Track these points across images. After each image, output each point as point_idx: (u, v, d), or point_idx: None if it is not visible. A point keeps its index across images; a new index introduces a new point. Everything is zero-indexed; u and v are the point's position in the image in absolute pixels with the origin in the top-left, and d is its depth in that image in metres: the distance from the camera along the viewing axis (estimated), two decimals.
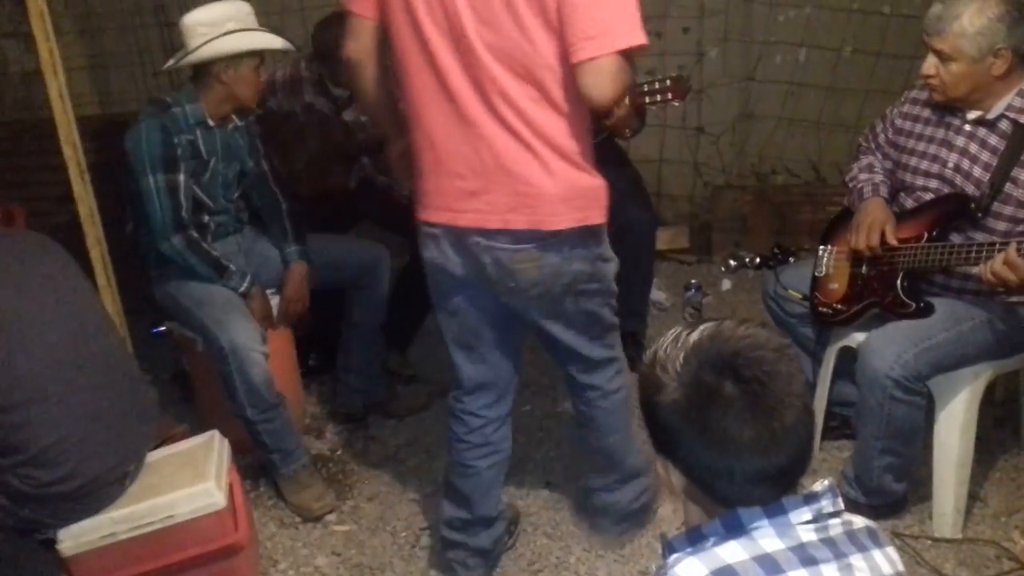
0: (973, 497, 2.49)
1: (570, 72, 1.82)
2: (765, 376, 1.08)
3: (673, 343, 1.14)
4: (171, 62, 2.66)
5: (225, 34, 2.54)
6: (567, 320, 2.12)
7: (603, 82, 1.79)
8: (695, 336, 1.13)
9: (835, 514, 1.13)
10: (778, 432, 1.07)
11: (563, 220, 1.93)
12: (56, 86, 2.61)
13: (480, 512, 2.29)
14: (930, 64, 2.23)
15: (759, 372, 1.08)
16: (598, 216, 1.99)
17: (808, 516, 1.11)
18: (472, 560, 2.33)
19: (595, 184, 1.98)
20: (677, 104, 2.94)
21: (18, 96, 4.01)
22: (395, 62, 1.99)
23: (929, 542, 2.40)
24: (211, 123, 2.67)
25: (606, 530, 2.48)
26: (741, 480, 1.09)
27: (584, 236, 1.98)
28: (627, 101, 2.92)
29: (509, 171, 1.91)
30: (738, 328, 1.12)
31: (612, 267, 2.11)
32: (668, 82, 2.91)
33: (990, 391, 2.47)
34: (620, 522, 2.46)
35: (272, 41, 2.65)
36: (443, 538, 2.35)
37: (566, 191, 1.92)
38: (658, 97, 2.93)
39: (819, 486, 1.14)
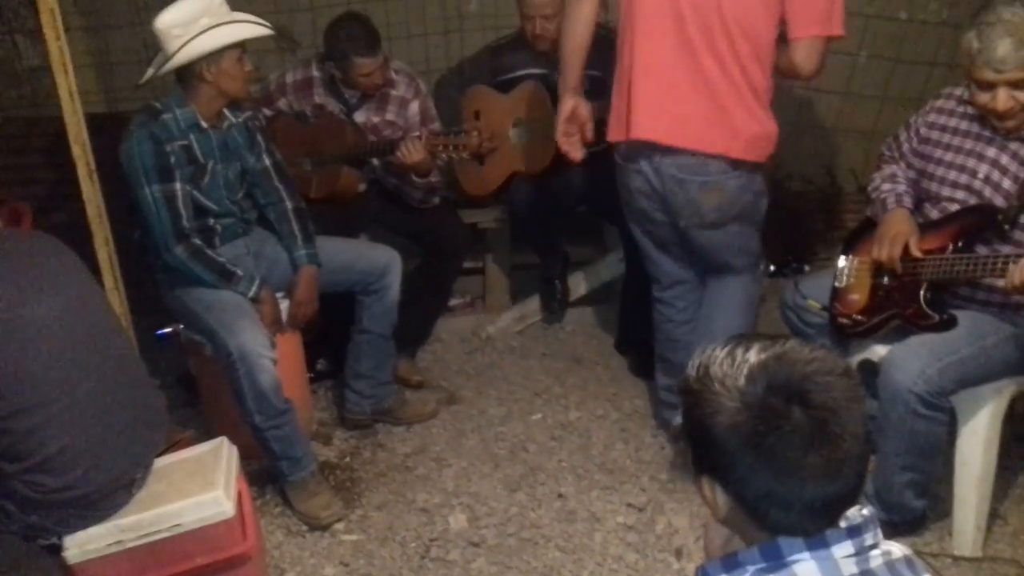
0: (993, 515, 2.45)
1: (773, 42, 2.36)
2: (834, 403, 1.03)
3: (729, 360, 1.08)
4: (151, 71, 2.59)
5: (200, 33, 2.46)
6: (725, 242, 2.60)
7: (814, 56, 2.34)
8: (755, 355, 1.07)
9: (875, 545, 1.09)
10: (843, 461, 1.04)
11: (749, 153, 2.42)
12: (66, 84, 2.57)
13: None
14: (1006, 99, 2.14)
15: (828, 399, 1.03)
16: (766, 155, 2.48)
17: (851, 550, 1.06)
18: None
19: (774, 129, 2.46)
20: None
21: (24, 92, 3.96)
22: (632, 6, 2.42)
23: (949, 560, 2.36)
24: (204, 125, 2.61)
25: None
26: (799, 509, 1.04)
27: (756, 169, 2.49)
28: None
29: (720, 107, 2.38)
30: (805, 351, 1.07)
31: (766, 202, 2.60)
32: None
33: (1010, 407, 2.43)
34: None
35: (251, 30, 2.56)
36: (660, 400, 2.94)
37: (757, 131, 2.42)
38: None
39: (859, 517, 1.09)
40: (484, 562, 2.47)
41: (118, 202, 2.82)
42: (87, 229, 2.68)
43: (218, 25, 2.49)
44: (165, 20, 2.47)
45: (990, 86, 2.14)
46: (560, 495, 2.71)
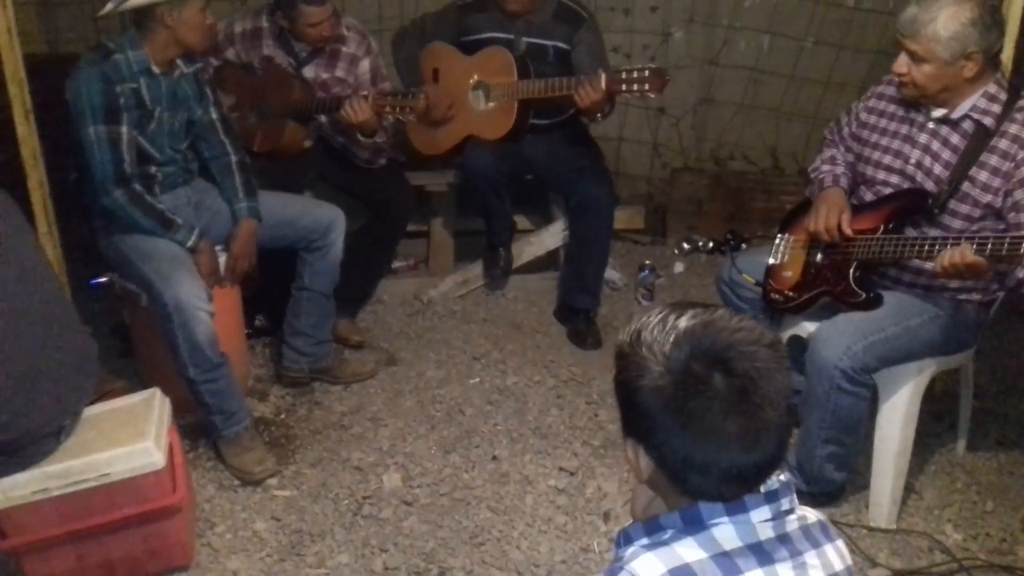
0: (909, 489, 2.55)
1: None
2: (756, 372, 1.05)
3: (660, 325, 1.09)
4: (110, 6, 2.53)
5: None
6: None
7: None
8: (686, 322, 1.09)
9: (791, 510, 1.13)
10: (761, 430, 1.05)
11: None
12: (5, 20, 2.50)
13: None
14: (902, 63, 2.25)
15: (751, 368, 1.05)
16: None
17: (768, 515, 1.09)
18: None
19: None
20: (653, 96, 2.93)
21: None
22: None
23: (864, 531, 2.45)
24: (156, 70, 2.57)
25: None
26: (717, 475, 1.06)
27: None
28: (603, 87, 2.93)
29: None
30: (732, 320, 1.09)
31: None
32: (647, 72, 2.90)
33: (929, 386, 2.52)
34: None
35: None
36: None
37: None
38: (635, 87, 2.92)
39: (777, 483, 1.12)
40: (416, 520, 2.49)
41: (54, 144, 2.75)
42: (21, 171, 2.61)
43: None
44: None
45: (899, 46, 2.25)
46: (494, 457, 2.74)
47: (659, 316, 1.11)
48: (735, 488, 1.08)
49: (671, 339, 1.07)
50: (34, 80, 2.62)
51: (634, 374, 1.09)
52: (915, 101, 2.34)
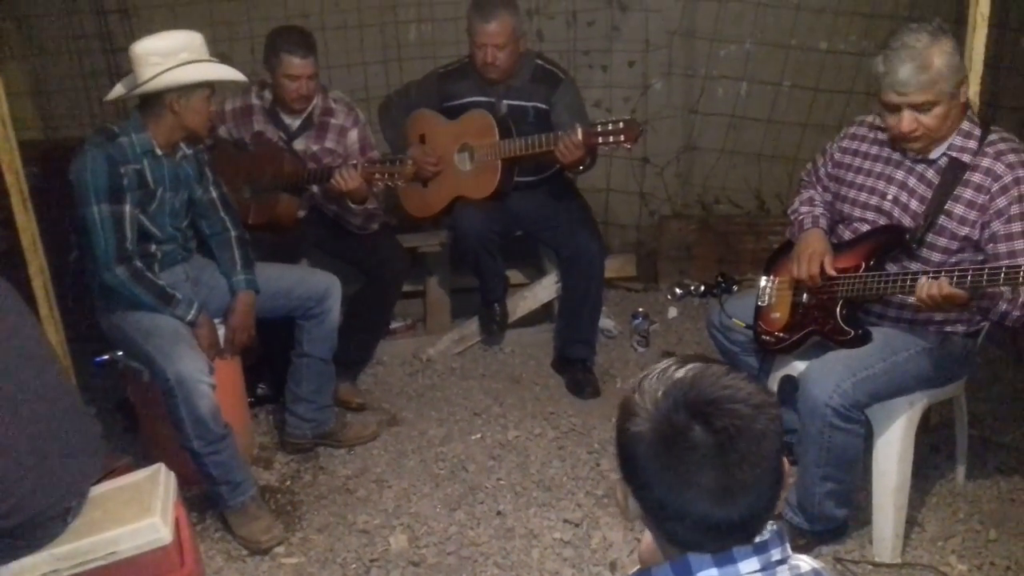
0: (911, 522, 2.56)
1: None
2: (735, 430, 1.07)
3: (660, 374, 1.14)
4: (120, 90, 2.63)
5: (180, 65, 2.53)
6: None
7: None
8: (680, 373, 1.13)
9: (783, 560, 1.14)
10: (735, 487, 1.07)
11: None
12: None
13: None
14: (909, 120, 2.26)
15: (729, 424, 1.07)
16: None
17: (757, 566, 1.11)
18: None
19: None
20: (629, 147, 3.04)
21: None
22: None
23: (870, 567, 2.46)
24: (159, 152, 2.65)
25: None
26: (691, 525, 1.09)
27: None
28: (580, 140, 3.02)
29: None
30: (724, 376, 1.11)
31: None
32: (621, 124, 3.00)
33: (925, 418, 2.55)
34: None
35: (227, 72, 2.65)
36: None
37: None
38: (611, 139, 3.01)
39: (767, 532, 1.14)
40: None
41: (53, 229, 2.82)
42: (21, 257, 2.67)
43: (197, 61, 2.55)
44: (145, 46, 2.52)
45: (895, 108, 2.27)
46: (499, 513, 2.76)
47: (663, 366, 1.16)
48: (712, 539, 1.10)
49: (662, 389, 1.12)
50: (31, 166, 2.69)
51: (625, 417, 1.13)
52: (885, 140, 2.40)
